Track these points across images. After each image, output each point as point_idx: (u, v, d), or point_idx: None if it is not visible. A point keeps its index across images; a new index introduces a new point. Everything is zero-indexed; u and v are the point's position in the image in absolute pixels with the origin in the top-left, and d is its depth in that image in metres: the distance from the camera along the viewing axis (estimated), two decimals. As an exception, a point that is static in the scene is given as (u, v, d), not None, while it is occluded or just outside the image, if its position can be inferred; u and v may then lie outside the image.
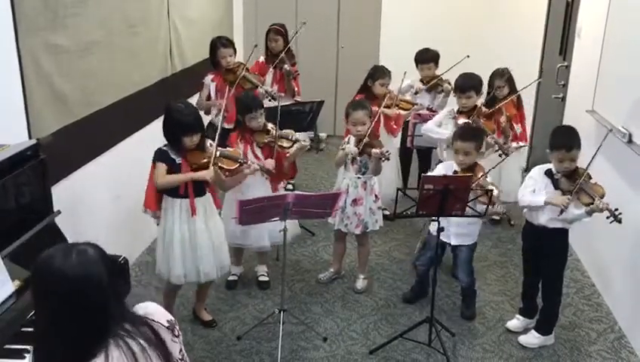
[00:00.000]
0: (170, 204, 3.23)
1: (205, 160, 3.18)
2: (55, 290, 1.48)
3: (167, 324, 1.64)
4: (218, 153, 3.25)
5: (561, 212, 3.12)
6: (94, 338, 1.48)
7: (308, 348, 3.43)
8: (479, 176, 3.31)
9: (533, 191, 3.26)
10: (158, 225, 3.30)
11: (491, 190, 3.20)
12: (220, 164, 3.25)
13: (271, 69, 4.93)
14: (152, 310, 1.66)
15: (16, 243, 2.38)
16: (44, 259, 1.51)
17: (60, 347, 1.49)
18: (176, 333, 1.66)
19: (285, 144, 3.66)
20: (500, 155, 4.02)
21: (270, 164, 3.58)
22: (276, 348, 3.33)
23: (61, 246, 1.55)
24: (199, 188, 3.23)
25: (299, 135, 3.72)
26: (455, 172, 3.43)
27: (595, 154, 3.12)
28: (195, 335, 3.50)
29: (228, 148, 3.44)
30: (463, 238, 3.58)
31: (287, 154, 3.69)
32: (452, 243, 3.58)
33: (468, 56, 4.62)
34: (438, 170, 3.56)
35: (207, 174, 3.15)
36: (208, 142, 3.27)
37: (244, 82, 4.50)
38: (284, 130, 3.69)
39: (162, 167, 3.13)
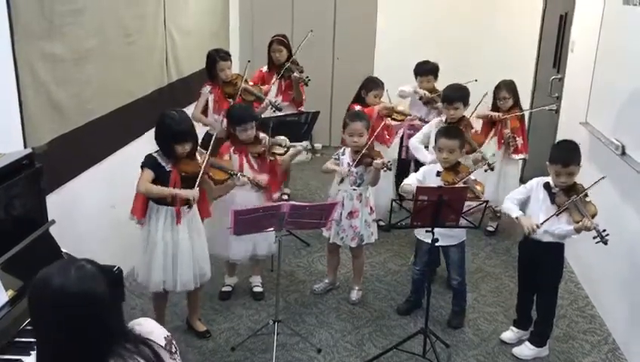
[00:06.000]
0: (155, 210, 3.20)
1: (196, 169, 3.17)
2: (56, 309, 1.42)
3: (164, 342, 1.61)
4: (209, 163, 3.24)
5: (529, 234, 3.18)
6: (95, 359, 1.44)
7: (302, 359, 3.41)
8: (463, 174, 3.34)
9: (522, 199, 3.27)
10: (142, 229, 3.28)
11: (487, 201, 3.23)
12: (209, 174, 3.23)
13: (275, 80, 4.94)
14: (149, 328, 1.62)
15: (10, 253, 2.36)
16: (42, 277, 1.45)
17: None
18: (174, 350, 1.63)
19: (279, 151, 3.66)
20: (485, 170, 4.01)
21: (263, 179, 3.58)
22: (270, 359, 3.32)
23: (57, 263, 1.50)
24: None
25: (295, 145, 3.72)
26: (439, 172, 3.44)
27: (598, 181, 3.12)
28: (189, 346, 3.48)
29: (220, 160, 3.42)
30: (447, 239, 3.49)
31: (280, 161, 3.69)
32: (436, 244, 3.43)
33: (476, 80, 4.62)
34: (421, 173, 3.57)
35: (190, 194, 3.12)
36: (199, 151, 3.26)
37: (246, 94, 4.50)
38: (277, 137, 3.69)
39: (148, 173, 3.12)
